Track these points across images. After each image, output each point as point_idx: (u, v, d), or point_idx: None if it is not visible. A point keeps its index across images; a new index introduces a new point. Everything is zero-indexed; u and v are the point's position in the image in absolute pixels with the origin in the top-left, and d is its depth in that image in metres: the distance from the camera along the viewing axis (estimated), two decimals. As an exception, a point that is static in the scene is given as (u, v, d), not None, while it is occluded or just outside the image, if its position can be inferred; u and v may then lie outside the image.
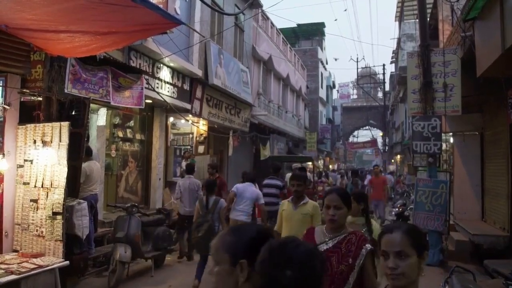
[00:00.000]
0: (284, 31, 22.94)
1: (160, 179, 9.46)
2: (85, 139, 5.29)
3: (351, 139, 46.81)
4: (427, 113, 7.31)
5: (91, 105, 5.88)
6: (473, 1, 5.48)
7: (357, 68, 30.38)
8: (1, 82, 5.01)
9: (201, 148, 11.17)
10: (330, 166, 31.27)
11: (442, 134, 7.66)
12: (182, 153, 10.31)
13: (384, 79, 32.09)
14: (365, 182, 13.68)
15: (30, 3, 3.37)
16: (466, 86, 7.22)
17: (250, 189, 6.23)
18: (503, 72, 5.68)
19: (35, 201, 4.76)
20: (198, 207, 5.65)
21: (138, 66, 7.74)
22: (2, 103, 4.92)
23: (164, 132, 9.70)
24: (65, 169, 4.64)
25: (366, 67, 35.51)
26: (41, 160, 4.82)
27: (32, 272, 4.10)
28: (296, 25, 28.18)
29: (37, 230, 4.70)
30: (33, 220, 4.74)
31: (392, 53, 29.17)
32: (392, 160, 32.49)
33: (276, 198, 7.15)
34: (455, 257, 6.96)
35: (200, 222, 5.37)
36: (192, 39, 9.78)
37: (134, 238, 5.74)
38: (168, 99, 8.70)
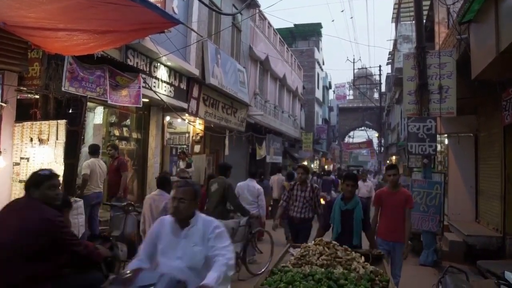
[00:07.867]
0: (281, 31, 22.98)
1: (156, 178, 9.44)
2: (82, 137, 5.31)
3: (346, 139, 46.96)
4: (422, 115, 7.37)
5: (88, 103, 5.87)
6: (469, 4, 5.54)
7: (354, 69, 30.54)
8: (-2, 79, 5.01)
9: (197, 147, 11.18)
10: (326, 167, 30.82)
11: (437, 135, 7.71)
12: (177, 152, 10.29)
13: (380, 80, 32.26)
14: (366, 191, 11.24)
15: (29, 1, 3.37)
16: (461, 88, 7.29)
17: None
18: (497, 75, 5.75)
19: (31, 199, 4.75)
20: None
21: (135, 65, 7.72)
22: (-1, 101, 4.91)
23: (161, 131, 9.70)
24: (62, 167, 4.65)
25: (362, 68, 35.66)
26: (37, 158, 4.82)
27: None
28: (293, 26, 28.27)
29: (33, 228, 4.70)
30: (29, 218, 4.74)
31: (389, 54, 29.31)
32: (388, 161, 32.61)
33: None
34: (449, 258, 7.03)
35: None
36: (189, 39, 9.78)
37: (130, 236, 5.72)
38: (165, 98, 8.70)
